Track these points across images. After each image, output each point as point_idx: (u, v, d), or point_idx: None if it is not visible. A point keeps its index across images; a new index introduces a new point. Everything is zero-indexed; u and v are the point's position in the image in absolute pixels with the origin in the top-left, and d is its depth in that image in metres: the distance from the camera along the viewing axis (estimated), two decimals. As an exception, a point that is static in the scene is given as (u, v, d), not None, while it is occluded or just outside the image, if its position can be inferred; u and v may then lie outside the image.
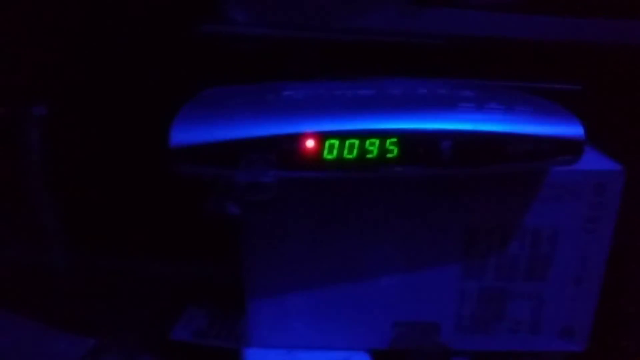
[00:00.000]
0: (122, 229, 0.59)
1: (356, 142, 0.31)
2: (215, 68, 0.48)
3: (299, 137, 0.31)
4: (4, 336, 0.46)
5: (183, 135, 0.31)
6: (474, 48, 0.46)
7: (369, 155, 0.31)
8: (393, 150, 0.31)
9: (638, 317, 0.44)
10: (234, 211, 0.39)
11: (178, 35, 0.50)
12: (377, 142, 0.31)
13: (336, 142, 0.31)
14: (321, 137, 0.31)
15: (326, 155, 0.31)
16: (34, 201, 0.59)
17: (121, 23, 0.52)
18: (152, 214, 0.58)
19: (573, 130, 0.32)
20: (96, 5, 0.52)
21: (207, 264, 0.57)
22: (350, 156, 0.31)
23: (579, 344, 0.40)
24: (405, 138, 0.31)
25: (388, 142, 0.31)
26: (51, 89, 0.55)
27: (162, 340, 0.52)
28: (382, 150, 0.31)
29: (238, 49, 0.49)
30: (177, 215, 0.57)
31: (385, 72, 0.44)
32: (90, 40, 0.53)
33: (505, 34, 0.46)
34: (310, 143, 0.31)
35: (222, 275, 0.54)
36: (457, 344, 0.40)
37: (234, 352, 0.42)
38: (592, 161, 0.36)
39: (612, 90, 0.46)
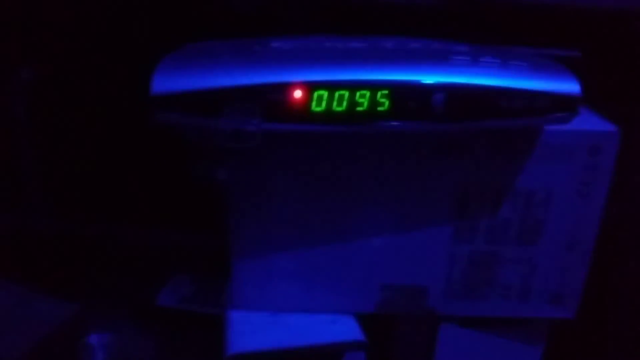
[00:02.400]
0: (107, 195, 0.58)
1: (346, 93, 0.30)
2: (204, 25, 0.46)
3: (285, 87, 0.30)
4: (-13, 299, 0.45)
5: (164, 82, 0.29)
6: (469, 11, 0.45)
7: (359, 108, 0.30)
8: (384, 103, 0.30)
9: (628, 286, 0.44)
10: (219, 175, 0.38)
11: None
12: (367, 94, 0.30)
13: (325, 94, 0.30)
14: (309, 87, 0.30)
15: (314, 107, 0.30)
16: (20, 165, 0.58)
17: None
18: (138, 181, 0.57)
19: (569, 86, 0.31)
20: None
21: (193, 230, 0.57)
22: (339, 109, 0.30)
23: (568, 310, 0.40)
24: (397, 90, 0.30)
25: (379, 94, 0.30)
26: (37, 51, 0.54)
27: (147, 306, 0.52)
28: (373, 103, 0.30)
29: (228, 5, 0.48)
30: (163, 182, 0.56)
31: (379, 33, 0.43)
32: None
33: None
34: (297, 94, 0.30)
35: (209, 242, 0.53)
36: (445, 309, 0.40)
37: (219, 318, 0.41)
38: (588, 122, 0.36)
39: (610, 55, 0.45)
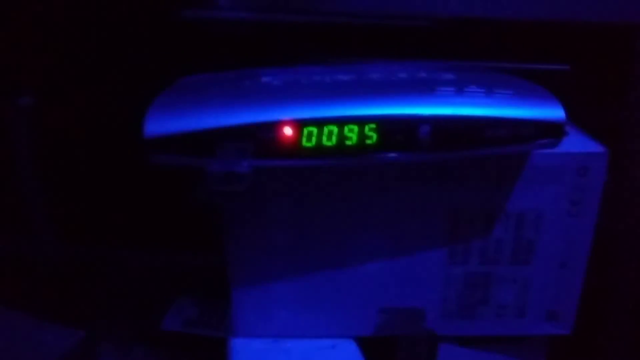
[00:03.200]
0: (110, 219, 0.59)
1: (335, 129, 0.31)
2: (197, 53, 0.47)
3: (276, 125, 0.30)
4: (-9, 329, 0.46)
5: (157, 125, 0.30)
6: (459, 29, 0.46)
7: (348, 142, 0.31)
8: (372, 137, 0.31)
9: (623, 301, 0.44)
10: (218, 200, 0.39)
11: (161, 20, 0.49)
12: (356, 128, 0.31)
13: (315, 130, 0.31)
14: (299, 124, 0.30)
15: (305, 143, 0.31)
16: (22, 191, 0.58)
17: (104, 9, 0.51)
18: (140, 204, 0.58)
19: (554, 113, 0.31)
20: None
21: (196, 253, 0.57)
22: (329, 143, 0.31)
23: (564, 327, 0.40)
24: (385, 124, 0.30)
25: (367, 128, 0.30)
26: (36, 79, 0.55)
27: (152, 330, 0.52)
28: (362, 136, 0.31)
29: (220, 33, 0.48)
30: (166, 205, 0.57)
31: (369, 55, 0.43)
32: (75, 28, 0.52)
33: (491, 14, 0.45)
34: (287, 131, 0.30)
35: (212, 264, 0.54)
36: (443, 330, 0.40)
37: (224, 341, 0.41)
38: (576, 143, 0.36)
39: (600, 70, 0.45)
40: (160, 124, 0.30)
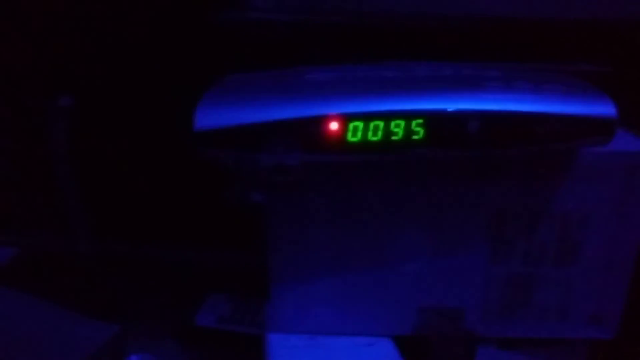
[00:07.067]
0: (145, 216, 0.60)
1: (381, 124, 0.31)
2: (236, 55, 0.48)
3: (322, 120, 0.30)
4: (28, 321, 0.46)
5: (207, 119, 0.30)
6: (496, 30, 0.45)
7: (394, 138, 0.31)
8: (419, 132, 0.31)
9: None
10: (256, 198, 0.39)
11: (199, 23, 0.50)
12: (402, 123, 0.30)
13: (360, 124, 0.31)
14: (344, 119, 0.30)
15: (350, 137, 0.31)
16: (61, 189, 0.59)
17: (144, 11, 0.52)
18: (175, 201, 0.59)
19: (605, 109, 0.31)
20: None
21: (230, 250, 0.57)
22: (374, 138, 0.31)
23: (608, 331, 0.39)
24: (432, 119, 0.30)
25: (414, 123, 0.30)
26: (76, 79, 0.56)
27: (186, 326, 0.53)
28: (408, 132, 0.31)
29: (259, 36, 0.49)
30: (200, 202, 0.58)
31: (407, 57, 0.43)
32: (114, 29, 0.53)
33: (530, 14, 0.44)
34: (333, 125, 0.31)
35: (245, 261, 0.54)
36: (483, 331, 0.40)
37: (258, 337, 0.41)
38: (624, 142, 0.35)
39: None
40: (211, 118, 0.30)
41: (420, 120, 0.30)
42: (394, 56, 0.44)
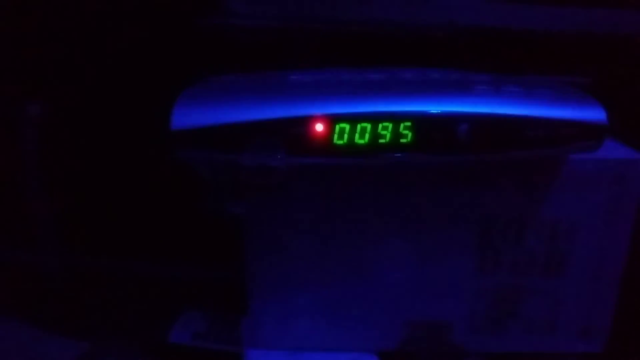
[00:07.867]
0: (117, 230, 0.57)
1: (368, 126, 0.29)
2: (216, 60, 0.47)
3: (307, 121, 0.29)
4: (-4, 339, 0.45)
5: (185, 117, 0.29)
6: (479, 40, 0.45)
7: (382, 141, 0.30)
8: (407, 135, 0.30)
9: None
10: (234, 209, 0.38)
11: (180, 28, 0.49)
12: (390, 126, 0.29)
13: (347, 126, 0.29)
14: (331, 120, 0.29)
15: (336, 140, 0.30)
16: (29, 201, 0.57)
17: (122, 15, 0.51)
18: (148, 215, 0.57)
19: (595, 114, 0.30)
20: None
21: (205, 263, 0.55)
22: (361, 141, 0.30)
23: (596, 344, 0.39)
24: (421, 121, 0.29)
25: (402, 126, 0.29)
26: (46, 86, 0.54)
27: (159, 344, 0.51)
28: (396, 135, 0.30)
29: (240, 41, 0.48)
30: (173, 216, 0.56)
31: (389, 65, 0.43)
32: (90, 34, 0.52)
33: (512, 25, 0.45)
34: (319, 127, 0.29)
35: (221, 275, 0.52)
36: (470, 345, 0.38)
37: (236, 355, 0.40)
38: (611, 150, 0.35)
39: (622, 81, 0.45)
40: (189, 117, 0.29)
41: (409, 123, 0.29)
42: (376, 63, 0.44)
